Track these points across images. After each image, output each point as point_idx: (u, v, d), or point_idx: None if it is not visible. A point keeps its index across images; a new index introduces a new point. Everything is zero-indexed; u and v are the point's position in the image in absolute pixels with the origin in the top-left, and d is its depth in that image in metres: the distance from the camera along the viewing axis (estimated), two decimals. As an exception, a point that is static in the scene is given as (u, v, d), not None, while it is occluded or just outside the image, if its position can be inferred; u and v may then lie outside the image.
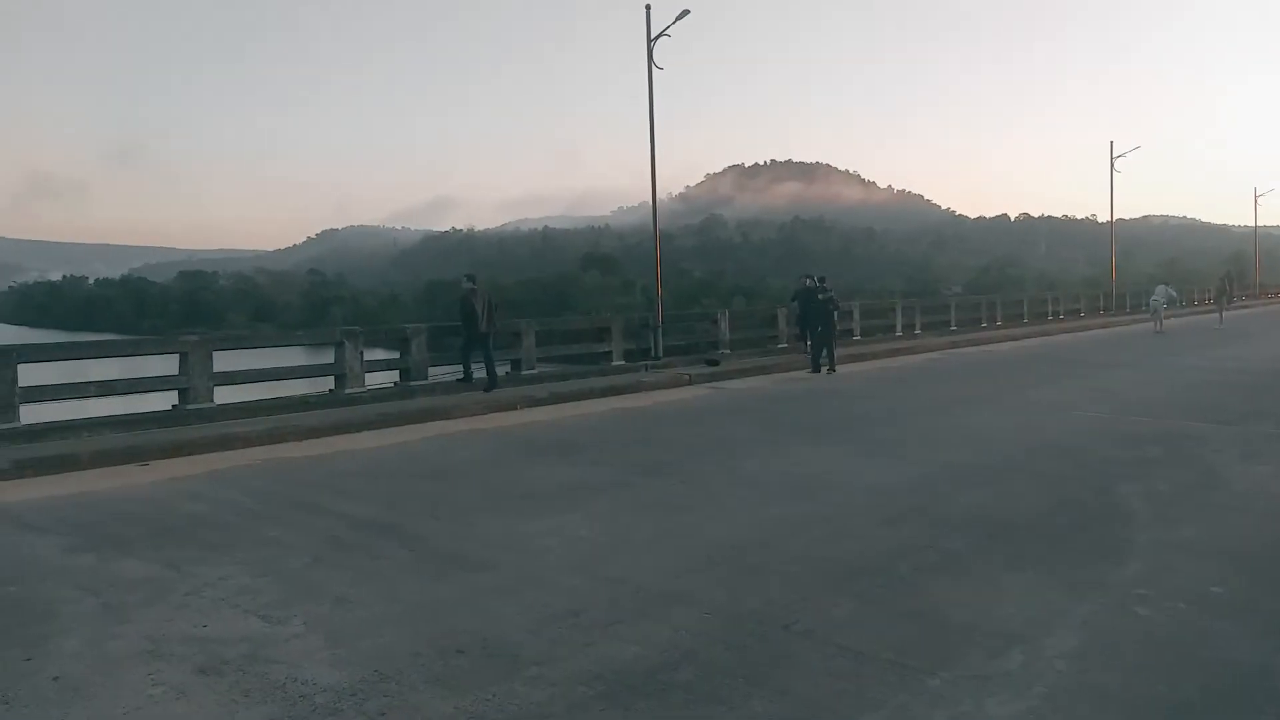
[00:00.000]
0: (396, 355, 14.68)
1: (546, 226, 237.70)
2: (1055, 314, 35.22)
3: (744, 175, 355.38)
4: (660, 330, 18.02)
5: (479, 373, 14.49)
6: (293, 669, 4.34)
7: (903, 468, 8.96)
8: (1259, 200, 59.95)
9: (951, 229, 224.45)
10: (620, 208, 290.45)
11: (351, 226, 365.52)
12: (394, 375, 14.55)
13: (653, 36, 18.42)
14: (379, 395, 13.67)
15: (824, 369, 18.09)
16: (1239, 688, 4.13)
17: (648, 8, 18.57)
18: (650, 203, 20.04)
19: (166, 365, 12.18)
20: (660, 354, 17.86)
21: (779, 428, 11.82)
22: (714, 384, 16.30)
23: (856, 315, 24.70)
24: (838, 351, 18.72)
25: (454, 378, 14.74)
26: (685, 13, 18.44)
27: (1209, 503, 7.50)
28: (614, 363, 17.20)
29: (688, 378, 16.23)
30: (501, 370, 15.67)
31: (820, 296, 18.49)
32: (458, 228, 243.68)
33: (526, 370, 15.64)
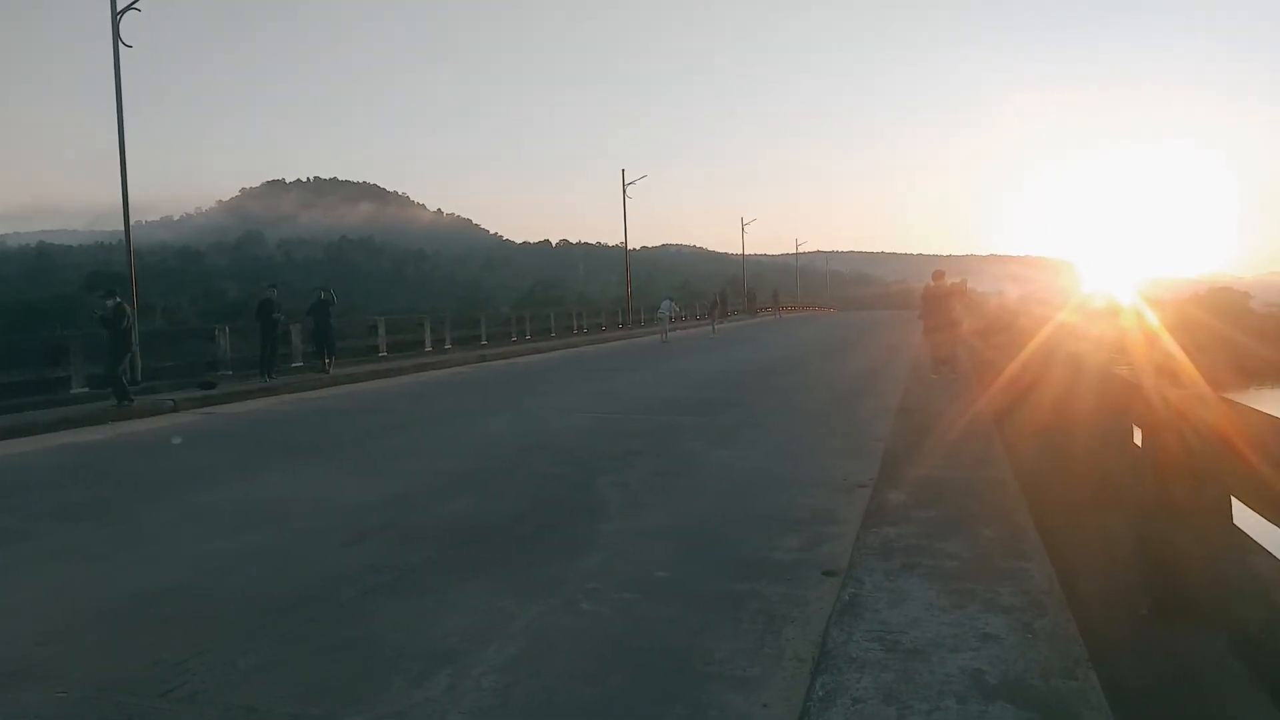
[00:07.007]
0: None
1: (42, 242, 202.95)
2: (581, 328, 37.53)
3: (286, 191, 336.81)
4: (136, 349, 15.27)
5: None
6: None
7: (389, 482, 8.24)
8: (745, 229, 70.21)
9: (500, 253, 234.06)
10: (141, 222, 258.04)
11: None
12: None
13: (118, 10, 15.83)
14: None
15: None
16: (661, 676, 3.93)
17: (112, -22, 15.98)
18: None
19: None
20: (138, 377, 15.18)
21: (267, 452, 10.47)
22: (207, 409, 14.28)
23: (382, 331, 23.82)
24: (357, 369, 17.58)
25: None
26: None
27: (675, 487, 7.79)
28: (74, 390, 14.28)
29: (171, 403, 13.98)
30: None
31: (275, 315, 17.68)
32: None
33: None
